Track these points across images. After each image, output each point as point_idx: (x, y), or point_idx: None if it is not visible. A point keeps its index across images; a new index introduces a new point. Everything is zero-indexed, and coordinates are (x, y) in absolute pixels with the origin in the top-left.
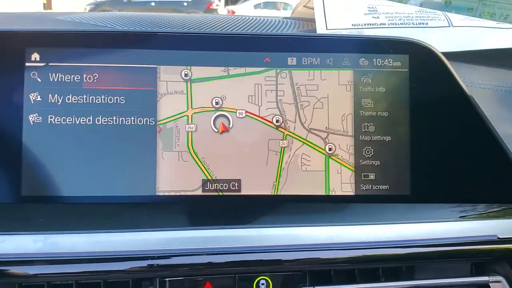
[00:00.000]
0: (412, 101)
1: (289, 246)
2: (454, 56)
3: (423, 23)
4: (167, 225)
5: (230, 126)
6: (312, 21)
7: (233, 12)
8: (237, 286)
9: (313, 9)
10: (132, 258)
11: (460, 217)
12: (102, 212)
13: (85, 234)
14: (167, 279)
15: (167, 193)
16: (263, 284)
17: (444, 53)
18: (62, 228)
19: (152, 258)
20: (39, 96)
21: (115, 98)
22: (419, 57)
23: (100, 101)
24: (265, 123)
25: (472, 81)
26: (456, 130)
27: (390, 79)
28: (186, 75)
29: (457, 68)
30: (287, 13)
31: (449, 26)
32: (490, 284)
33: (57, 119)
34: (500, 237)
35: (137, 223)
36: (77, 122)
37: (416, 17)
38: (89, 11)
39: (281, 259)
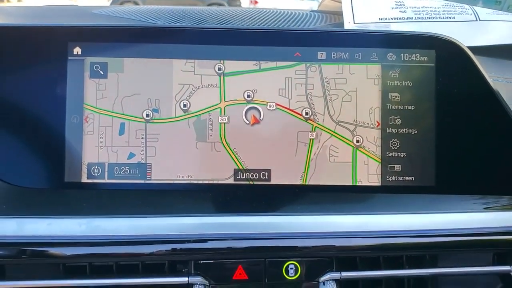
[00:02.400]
0: (438, 95)
1: (317, 233)
2: (481, 51)
3: (450, 17)
4: (202, 211)
5: (261, 118)
6: (339, 14)
7: (256, 3)
8: (267, 270)
9: (340, 2)
10: (169, 241)
11: (483, 208)
12: (141, 198)
13: (126, 219)
14: (201, 261)
15: (201, 182)
16: (292, 268)
17: (470, 48)
18: (104, 213)
19: (189, 241)
20: None
21: None
22: (446, 51)
23: None
24: (294, 115)
25: (498, 76)
26: (481, 124)
27: (417, 73)
28: (219, 69)
29: (484, 62)
30: (310, 4)
31: (476, 20)
32: None
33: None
34: None
35: (174, 209)
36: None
37: (443, 11)
38: (111, 3)
39: (309, 246)
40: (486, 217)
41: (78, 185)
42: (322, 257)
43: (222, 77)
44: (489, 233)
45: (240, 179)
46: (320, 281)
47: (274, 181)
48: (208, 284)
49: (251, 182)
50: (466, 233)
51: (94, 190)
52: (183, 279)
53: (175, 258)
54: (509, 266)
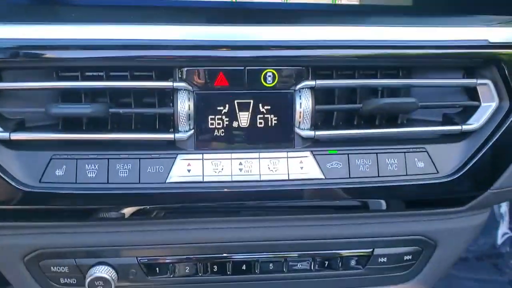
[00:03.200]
0: None
1: (294, 41)
2: None
3: None
4: (187, 21)
5: None
6: None
7: None
8: (246, 77)
9: None
10: (156, 47)
11: (457, 25)
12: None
13: (114, 25)
14: (185, 68)
15: None
16: (269, 76)
17: None
18: (92, 20)
19: (173, 48)
20: None
21: None
22: None
23: None
24: None
25: None
26: None
27: None
28: None
29: None
30: None
31: None
32: (478, 87)
33: None
34: (491, 41)
35: (160, 20)
36: None
37: None
38: None
39: (286, 55)
40: (457, 31)
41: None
42: (298, 66)
43: None
44: (459, 46)
45: None
46: (296, 89)
47: None
48: (191, 90)
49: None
50: (437, 45)
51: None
52: (169, 84)
53: (161, 63)
54: (475, 79)
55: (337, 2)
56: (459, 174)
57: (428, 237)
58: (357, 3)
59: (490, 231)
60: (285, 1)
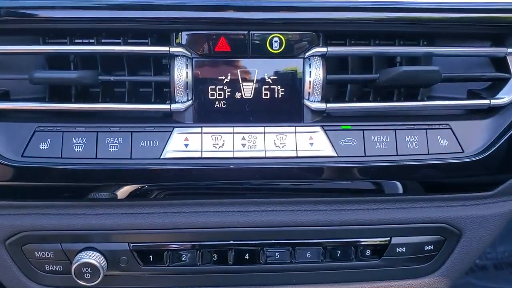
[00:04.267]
0: None
1: (303, 2)
2: None
3: None
4: None
5: None
6: None
7: None
8: (250, 42)
9: None
10: (150, 7)
11: None
12: None
13: None
14: (183, 32)
15: None
16: (276, 41)
17: None
18: None
19: (168, 8)
20: None
21: None
22: None
23: None
24: None
25: None
26: None
27: None
28: None
29: None
30: None
31: None
32: (508, 57)
33: None
34: None
35: None
36: None
37: None
38: None
39: (295, 18)
40: None
41: None
42: (308, 30)
43: None
44: (488, 9)
45: None
46: (305, 56)
47: None
48: (189, 56)
49: None
50: (464, 8)
51: None
52: (165, 49)
53: (156, 26)
54: (505, 48)
55: None
56: (487, 154)
57: (451, 225)
58: None
59: (510, 237)
60: None
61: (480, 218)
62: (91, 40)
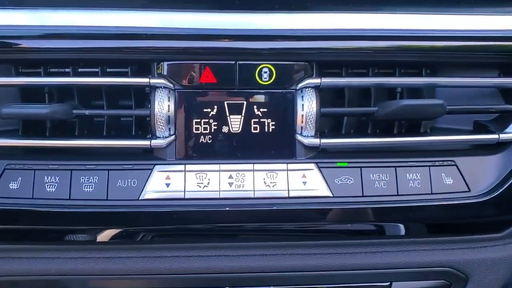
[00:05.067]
0: None
1: (295, 30)
2: None
3: None
4: (166, 7)
5: None
6: None
7: None
8: (238, 73)
9: None
10: (128, 37)
11: (492, 13)
12: None
13: (82, 11)
14: (165, 63)
15: None
16: (265, 72)
17: None
18: (56, 5)
19: (149, 37)
20: None
21: None
22: None
23: None
24: None
25: None
26: None
27: None
28: None
29: None
30: None
31: None
32: None
33: None
34: None
35: (135, 4)
36: None
37: None
38: None
39: (286, 47)
40: (494, 20)
41: None
42: (300, 60)
43: None
44: (496, 37)
45: None
46: (297, 88)
47: None
48: (172, 87)
49: None
50: (470, 36)
51: None
52: (144, 80)
53: (136, 56)
54: None
55: None
56: (496, 193)
57: (457, 269)
58: None
59: None
60: None
61: (489, 261)
62: (67, 70)
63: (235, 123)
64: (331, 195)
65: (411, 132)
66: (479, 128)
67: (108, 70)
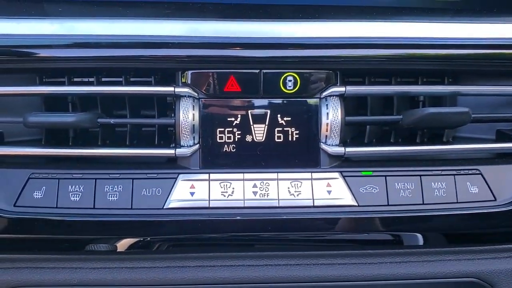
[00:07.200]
0: None
1: (320, 39)
2: None
3: None
4: (191, 16)
5: None
6: None
7: None
8: (262, 81)
9: None
10: (153, 45)
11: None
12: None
13: (107, 20)
14: (189, 71)
15: None
16: (290, 80)
17: None
18: (81, 15)
19: (175, 46)
20: None
21: None
22: None
23: None
24: None
25: None
26: None
27: None
28: None
29: None
30: None
31: None
32: None
33: None
34: None
35: (159, 14)
36: None
37: None
38: None
39: (310, 55)
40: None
41: None
42: (324, 69)
43: None
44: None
45: None
46: (321, 96)
47: None
48: (196, 96)
49: None
50: (490, 44)
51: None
52: (170, 89)
53: (161, 65)
54: None
55: None
56: None
57: (483, 280)
58: None
59: None
60: None
61: None
62: (90, 79)
63: (259, 131)
64: (356, 204)
65: (434, 141)
66: (502, 136)
67: (132, 79)
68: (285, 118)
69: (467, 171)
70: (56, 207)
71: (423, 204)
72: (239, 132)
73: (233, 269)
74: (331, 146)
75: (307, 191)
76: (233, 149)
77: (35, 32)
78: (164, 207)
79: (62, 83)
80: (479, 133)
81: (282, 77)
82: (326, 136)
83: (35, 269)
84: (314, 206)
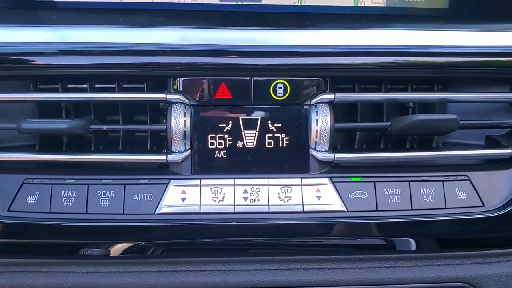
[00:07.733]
0: None
1: (310, 46)
2: None
3: None
4: (182, 24)
5: None
6: None
7: None
8: (253, 88)
9: None
10: (145, 53)
11: (504, 30)
12: (116, 14)
13: (100, 28)
14: (181, 78)
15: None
16: (280, 87)
17: None
18: (74, 23)
19: (166, 53)
20: None
21: None
22: None
23: None
24: None
25: None
26: None
27: None
28: None
29: None
30: None
31: None
32: None
33: None
34: None
35: (152, 22)
36: None
37: None
38: None
39: (300, 63)
40: (506, 36)
41: (50, 4)
42: (314, 76)
43: None
44: (507, 53)
45: None
46: (311, 103)
47: (265, 1)
48: (188, 103)
49: (240, 3)
50: (483, 52)
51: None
52: (161, 96)
53: (153, 72)
54: None
55: (359, 4)
56: (510, 208)
57: (472, 285)
58: (383, 5)
59: None
60: (299, 4)
61: (504, 277)
62: (84, 86)
63: (250, 138)
64: (345, 209)
65: (423, 146)
66: (491, 142)
67: (124, 86)
68: (275, 125)
69: (455, 177)
70: (49, 212)
71: (411, 209)
72: (230, 138)
73: (224, 274)
74: (321, 152)
75: (297, 196)
76: (224, 155)
77: (29, 39)
78: (156, 212)
79: (56, 90)
80: (469, 139)
81: (273, 84)
82: (316, 142)
83: (28, 273)
84: (303, 212)
